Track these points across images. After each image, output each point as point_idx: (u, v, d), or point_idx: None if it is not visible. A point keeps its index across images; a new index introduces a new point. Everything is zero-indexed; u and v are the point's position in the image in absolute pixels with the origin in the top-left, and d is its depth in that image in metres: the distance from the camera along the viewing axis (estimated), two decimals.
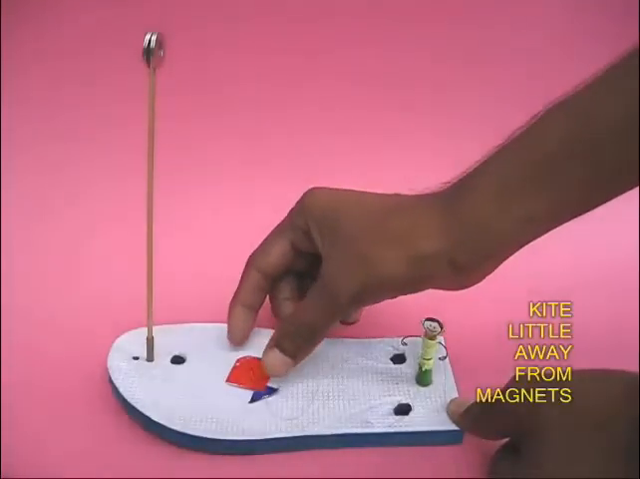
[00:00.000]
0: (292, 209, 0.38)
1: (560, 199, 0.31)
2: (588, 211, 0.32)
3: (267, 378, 0.38)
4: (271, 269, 0.38)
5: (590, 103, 0.30)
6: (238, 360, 0.39)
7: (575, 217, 0.33)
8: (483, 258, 0.33)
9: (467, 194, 0.33)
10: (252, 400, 0.37)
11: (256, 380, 0.38)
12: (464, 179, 0.34)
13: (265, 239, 0.39)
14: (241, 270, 0.39)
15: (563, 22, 0.52)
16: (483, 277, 0.35)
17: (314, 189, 0.37)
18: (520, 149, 0.32)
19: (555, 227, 0.33)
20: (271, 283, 0.39)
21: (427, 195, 0.35)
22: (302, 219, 0.36)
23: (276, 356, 0.36)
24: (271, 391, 0.37)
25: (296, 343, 0.36)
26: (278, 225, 0.38)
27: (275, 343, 0.36)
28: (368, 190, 0.37)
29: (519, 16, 0.52)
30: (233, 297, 0.39)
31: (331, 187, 0.37)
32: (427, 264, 0.32)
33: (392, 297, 0.35)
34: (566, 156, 0.30)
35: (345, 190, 0.37)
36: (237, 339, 0.39)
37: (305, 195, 0.37)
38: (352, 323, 0.40)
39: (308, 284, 0.39)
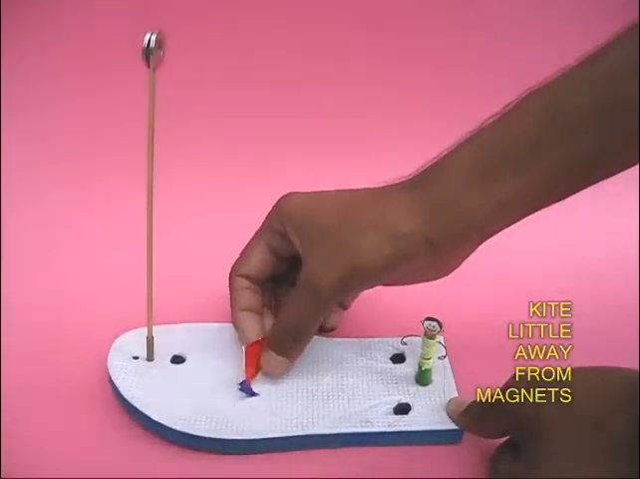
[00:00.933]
0: (268, 213, 0.38)
1: (532, 183, 0.31)
2: (563, 198, 0.32)
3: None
4: (254, 274, 0.38)
5: (565, 90, 0.30)
6: (246, 348, 0.37)
7: (550, 203, 0.33)
8: (459, 238, 0.33)
9: (438, 175, 0.33)
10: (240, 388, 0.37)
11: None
12: (435, 162, 0.34)
13: (244, 248, 0.39)
14: None
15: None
16: (461, 261, 0.35)
17: (289, 193, 0.37)
18: (494, 134, 0.32)
19: (532, 212, 0.33)
20: (259, 287, 0.39)
21: (398, 183, 0.35)
22: (279, 222, 0.36)
23: (272, 358, 0.37)
24: (252, 395, 0.37)
25: (287, 344, 0.36)
26: (256, 231, 0.39)
27: (269, 346, 0.37)
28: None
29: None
30: (231, 308, 0.39)
31: (315, 189, 0.37)
32: (404, 244, 0.32)
33: (373, 285, 0.35)
34: (539, 142, 0.30)
35: (319, 191, 0.37)
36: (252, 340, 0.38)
37: (280, 199, 0.37)
38: (330, 330, 0.40)
39: (285, 290, 0.40)
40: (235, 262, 0.39)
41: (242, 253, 0.39)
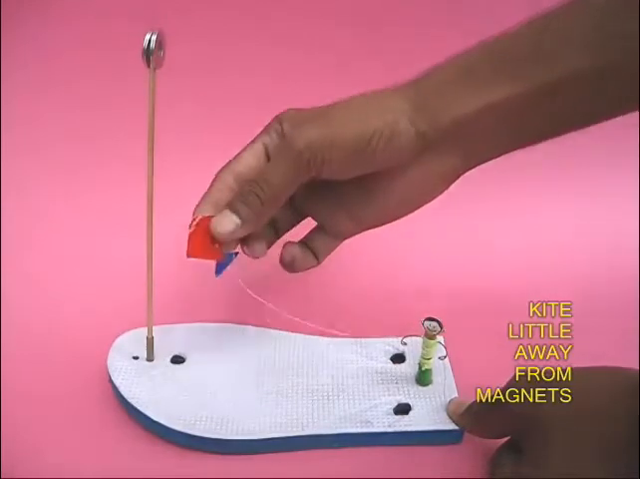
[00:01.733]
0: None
1: (525, 91, 0.30)
2: (560, 128, 0.31)
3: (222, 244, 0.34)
4: (244, 172, 0.35)
5: (566, 12, 0.30)
6: (191, 225, 0.34)
7: (545, 132, 0.32)
8: (443, 129, 0.32)
9: (429, 75, 0.33)
10: (218, 272, 0.35)
11: (214, 249, 0.34)
12: (428, 68, 0.33)
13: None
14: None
15: None
16: (445, 184, 0.34)
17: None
18: (490, 42, 0.32)
19: (526, 138, 0.32)
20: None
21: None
22: (277, 122, 0.34)
23: (225, 214, 0.33)
24: (231, 257, 0.34)
25: (247, 201, 0.32)
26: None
27: (228, 205, 0.33)
28: None
29: None
30: (202, 198, 0.35)
31: None
32: (389, 117, 0.31)
33: (352, 159, 0.32)
34: (535, 49, 0.30)
35: None
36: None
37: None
38: (256, 257, 0.36)
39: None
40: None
41: (235, 155, 0.36)
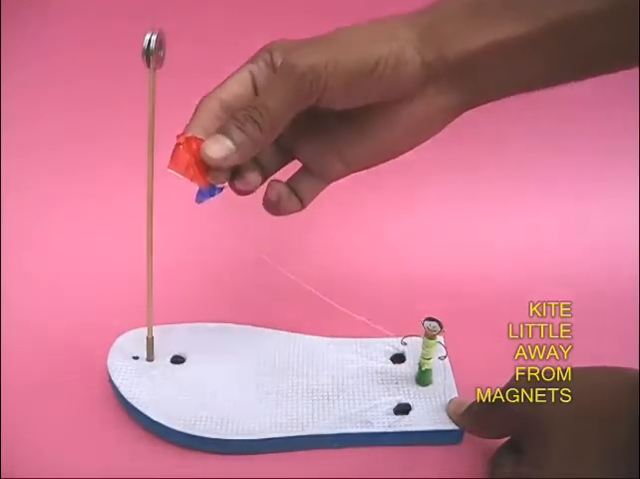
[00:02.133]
0: None
1: (524, 32, 0.29)
2: (566, 75, 0.31)
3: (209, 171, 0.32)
4: (230, 99, 0.33)
5: None
6: (178, 137, 0.32)
7: (554, 75, 0.31)
8: (449, 64, 0.31)
9: (438, 6, 0.32)
10: (198, 201, 0.33)
11: (199, 171, 0.31)
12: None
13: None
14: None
15: None
16: (448, 118, 0.33)
17: None
18: None
19: (533, 82, 0.31)
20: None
21: None
22: (266, 52, 0.33)
23: (218, 139, 0.31)
24: (213, 191, 0.33)
25: (245, 128, 0.31)
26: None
27: (221, 130, 0.31)
28: None
29: None
30: (188, 125, 0.33)
31: None
32: (395, 44, 0.30)
33: (354, 84, 0.30)
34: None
35: None
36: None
37: None
38: (247, 192, 0.34)
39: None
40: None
41: (220, 83, 0.34)
